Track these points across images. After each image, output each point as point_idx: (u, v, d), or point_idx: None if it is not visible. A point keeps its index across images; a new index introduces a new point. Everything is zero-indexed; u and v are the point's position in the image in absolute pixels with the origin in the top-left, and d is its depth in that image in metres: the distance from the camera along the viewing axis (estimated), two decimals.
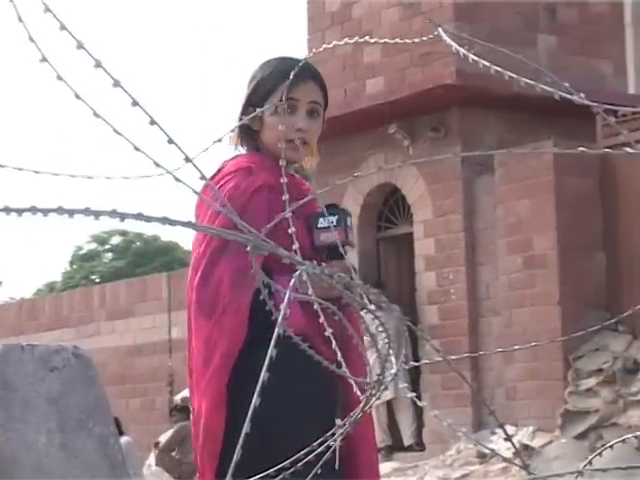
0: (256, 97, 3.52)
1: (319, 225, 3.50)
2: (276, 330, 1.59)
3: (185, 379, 13.20)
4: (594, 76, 15.35)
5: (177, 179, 1.48)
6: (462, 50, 1.83)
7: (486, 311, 14.35)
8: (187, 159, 1.49)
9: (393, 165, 3.80)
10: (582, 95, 1.97)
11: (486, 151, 13.02)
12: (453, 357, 2.82)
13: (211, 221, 3.30)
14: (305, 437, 3.39)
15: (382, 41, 2.65)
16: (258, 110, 2.87)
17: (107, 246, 42.29)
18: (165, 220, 1.37)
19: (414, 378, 14.97)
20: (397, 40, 2.68)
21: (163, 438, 14.72)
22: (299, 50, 17.71)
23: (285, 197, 3.00)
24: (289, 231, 2.96)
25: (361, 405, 2.10)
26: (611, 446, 2.04)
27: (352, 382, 3.30)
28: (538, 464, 12.12)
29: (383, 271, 15.99)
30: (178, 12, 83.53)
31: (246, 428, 1.35)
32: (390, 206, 15.96)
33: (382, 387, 2.06)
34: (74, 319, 20.16)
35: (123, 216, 1.29)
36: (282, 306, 1.47)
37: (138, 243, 41.40)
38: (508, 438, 1.94)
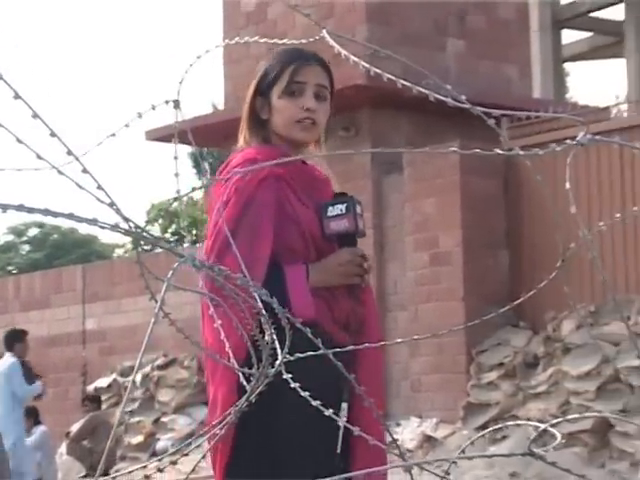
0: (263, 85, 3.50)
1: (328, 214, 3.42)
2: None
3: (97, 370, 13.01)
4: (500, 79, 15.50)
5: (60, 172, 1.48)
6: (343, 51, 1.84)
7: (393, 306, 14.43)
8: (69, 152, 1.49)
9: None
10: (464, 97, 1.99)
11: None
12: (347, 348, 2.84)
13: (218, 214, 3.28)
14: (315, 418, 3.45)
15: (280, 41, 2.66)
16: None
17: (24, 238, 41.85)
18: (47, 212, 1.36)
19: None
20: (302, 41, 2.70)
21: (74, 428, 14.64)
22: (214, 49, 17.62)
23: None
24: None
25: (246, 395, 2.11)
26: (496, 430, 2.08)
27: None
28: (440, 454, 12.23)
29: None
30: (94, 8, 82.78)
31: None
32: None
33: (266, 379, 2.07)
34: None
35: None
36: (158, 296, 1.48)
37: (55, 235, 40.99)
38: (387, 431, 1.96)
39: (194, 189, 1.69)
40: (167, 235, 32.46)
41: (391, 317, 14.36)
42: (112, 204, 1.61)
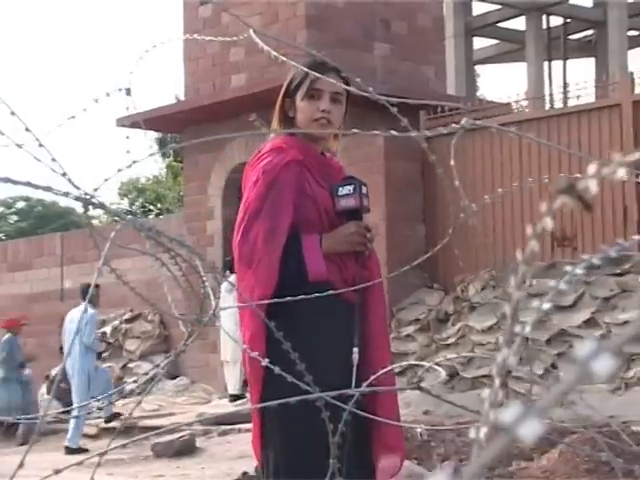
0: (290, 88, 3.64)
1: (339, 193, 3.55)
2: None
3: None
4: (420, 79, 15.53)
5: (19, 146, 1.48)
6: (266, 47, 1.85)
7: None
8: (27, 129, 1.49)
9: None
10: (371, 89, 2.01)
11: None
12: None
13: (249, 191, 3.49)
14: (331, 360, 3.48)
15: (218, 39, 2.66)
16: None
17: (12, 209, 41.52)
18: (7, 180, 1.36)
19: None
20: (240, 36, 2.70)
21: (53, 371, 14.56)
22: (175, 49, 17.54)
23: None
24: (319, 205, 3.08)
25: (183, 341, 2.12)
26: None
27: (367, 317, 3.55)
28: None
29: None
30: (57, 8, 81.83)
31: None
32: None
33: (201, 324, 2.07)
34: None
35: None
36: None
37: (40, 208, 40.67)
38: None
39: (119, 170, 1.69)
40: (134, 208, 32.33)
41: None
42: (64, 174, 1.61)
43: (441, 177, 1.94)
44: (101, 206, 1.57)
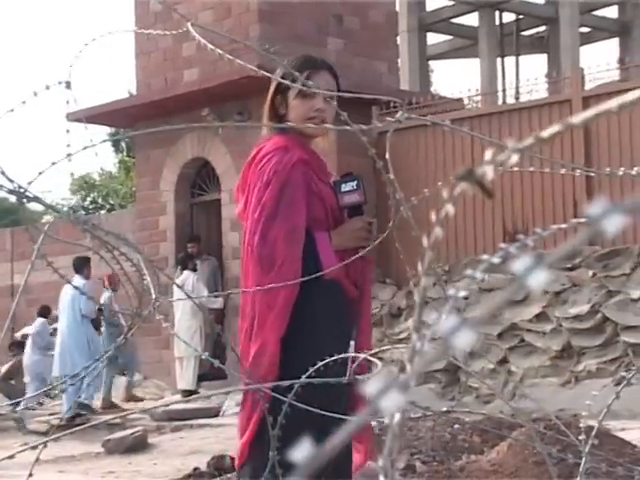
0: (282, 85, 3.57)
1: (342, 189, 3.59)
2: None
3: (24, 319, 12.78)
4: (373, 74, 15.57)
5: None
6: (203, 41, 1.86)
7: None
8: None
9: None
10: (310, 83, 2.03)
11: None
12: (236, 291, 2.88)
13: (261, 192, 3.48)
14: (333, 349, 3.49)
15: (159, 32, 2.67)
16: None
17: None
18: None
19: (221, 320, 15.06)
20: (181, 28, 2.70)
21: (3, 369, 14.45)
22: (127, 43, 17.47)
23: None
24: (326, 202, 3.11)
25: (125, 331, 2.12)
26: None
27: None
28: None
29: (195, 231, 15.97)
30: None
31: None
32: (202, 176, 15.94)
33: (141, 318, 2.08)
34: None
35: None
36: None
37: None
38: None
39: (52, 164, 1.70)
40: (86, 204, 32.11)
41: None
42: None
43: (380, 171, 1.96)
44: (35, 199, 1.57)
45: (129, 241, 1.62)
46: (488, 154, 0.68)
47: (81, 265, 12.89)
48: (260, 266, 3.46)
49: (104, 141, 1.87)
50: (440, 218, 0.70)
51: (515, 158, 0.67)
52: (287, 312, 3.43)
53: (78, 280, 12.26)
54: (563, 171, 2.11)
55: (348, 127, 1.81)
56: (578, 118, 0.68)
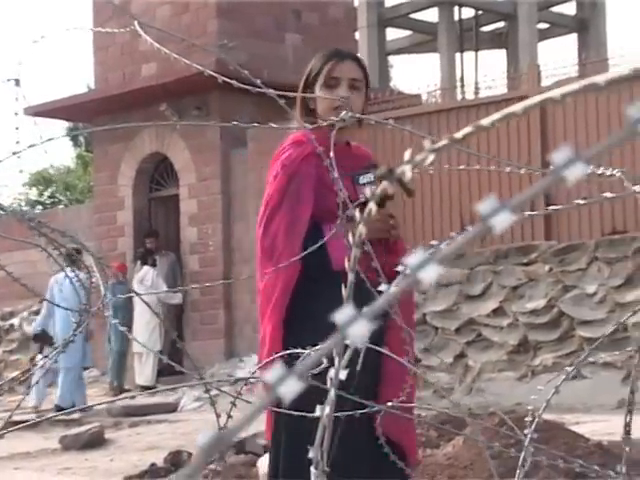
0: (309, 79, 3.63)
1: (360, 182, 3.59)
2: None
3: None
4: None
5: None
6: (150, 40, 1.88)
7: (238, 260, 14.51)
8: None
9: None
10: (258, 81, 2.06)
11: (241, 129, 13.13)
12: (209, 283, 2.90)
13: (270, 185, 3.56)
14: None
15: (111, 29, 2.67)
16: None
17: None
18: None
19: (179, 315, 15.09)
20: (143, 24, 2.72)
21: None
22: (85, 38, 17.40)
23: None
24: (339, 195, 3.04)
25: (78, 327, 2.14)
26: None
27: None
28: None
29: (154, 226, 15.95)
30: None
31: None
32: (160, 171, 15.92)
33: (90, 315, 2.09)
34: None
35: None
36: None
37: None
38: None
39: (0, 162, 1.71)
40: (43, 198, 31.93)
41: (236, 270, 14.42)
42: None
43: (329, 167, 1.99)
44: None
45: (76, 238, 1.64)
46: (407, 154, 0.72)
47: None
48: (263, 257, 3.56)
49: (62, 136, 1.89)
50: (364, 217, 0.73)
51: (432, 157, 0.71)
52: (283, 304, 3.48)
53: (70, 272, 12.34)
54: (492, 168, 2.16)
55: (295, 126, 1.85)
56: (487, 120, 0.72)
